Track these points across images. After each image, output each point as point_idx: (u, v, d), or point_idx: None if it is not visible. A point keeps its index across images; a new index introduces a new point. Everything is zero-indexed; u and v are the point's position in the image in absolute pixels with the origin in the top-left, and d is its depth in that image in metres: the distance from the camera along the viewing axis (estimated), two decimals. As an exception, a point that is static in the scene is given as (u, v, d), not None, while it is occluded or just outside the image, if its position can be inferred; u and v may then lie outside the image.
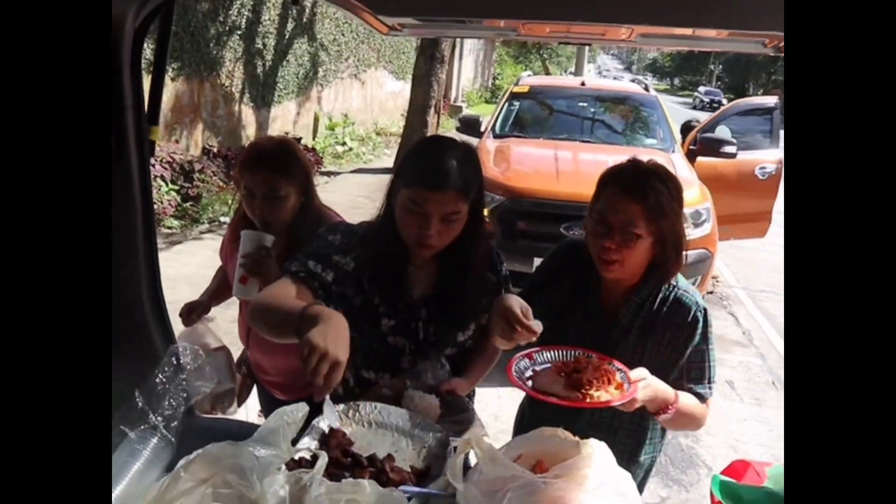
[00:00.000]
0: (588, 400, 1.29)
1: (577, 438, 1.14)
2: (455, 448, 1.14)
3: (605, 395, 1.30)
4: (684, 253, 1.50)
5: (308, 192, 1.88)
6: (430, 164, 1.36)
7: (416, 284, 1.49)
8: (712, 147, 5.55)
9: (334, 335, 1.11)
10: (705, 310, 1.50)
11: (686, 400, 1.47)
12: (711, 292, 5.84)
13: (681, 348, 1.48)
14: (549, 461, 1.08)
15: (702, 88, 44.62)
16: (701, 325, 1.48)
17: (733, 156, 5.50)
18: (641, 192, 1.41)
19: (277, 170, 1.79)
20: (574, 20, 1.64)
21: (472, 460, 1.15)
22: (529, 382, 1.36)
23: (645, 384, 1.36)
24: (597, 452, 1.08)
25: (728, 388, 4.26)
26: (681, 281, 1.53)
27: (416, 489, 1.07)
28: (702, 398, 1.51)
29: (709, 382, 1.52)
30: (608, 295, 1.55)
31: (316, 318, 1.13)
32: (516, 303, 1.35)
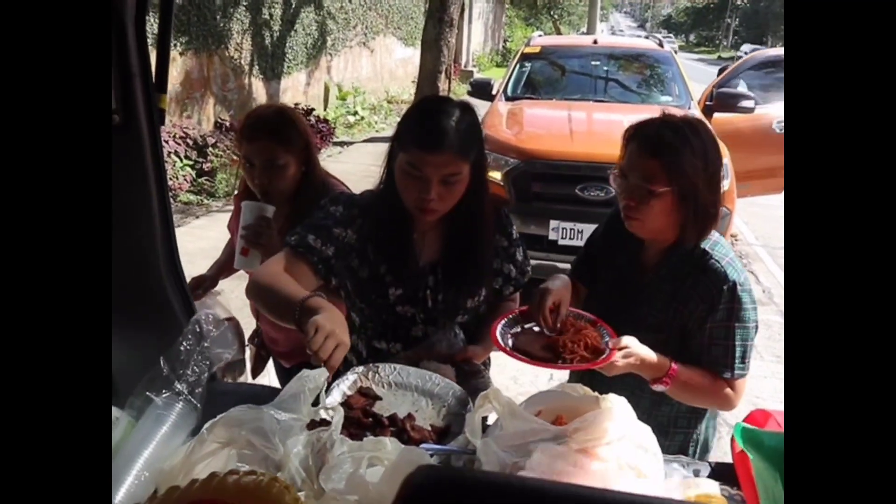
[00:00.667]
0: (560, 362, 1.26)
1: (596, 393, 1.15)
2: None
3: (578, 358, 1.27)
4: (717, 214, 1.40)
5: (309, 161, 1.84)
6: (426, 125, 1.33)
7: (421, 251, 1.47)
8: (729, 102, 5.41)
9: (338, 320, 1.13)
10: (735, 284, 1.36)
11: (691, 374, 1.37)
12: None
13: (700, 320, 1.38)
14: (569, 416, 1.09)
15: (746, 47, 37.77)
16: (726, 299, 1.36)
17: (751, 110, 5.37)
18: (657, 148, 1.35)
19: (276, 138, 1.75)
20: None
21: (492, 419, 1.16)
22: (510, 340, 1.34)
23: (626, 352, 1.29)
24: (616, 406, 1.08)
25: (748, 345, 4.25)
26: (719, 249, 1.41)
27: (437, 447, 1.09)
28: (721, 377, 1.39)
29: (733, 363, 1.38)
30: (646, 254, 1.50)
31: (316, 310, 1.14)
32: (553, 291, 1.33)
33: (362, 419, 1.14)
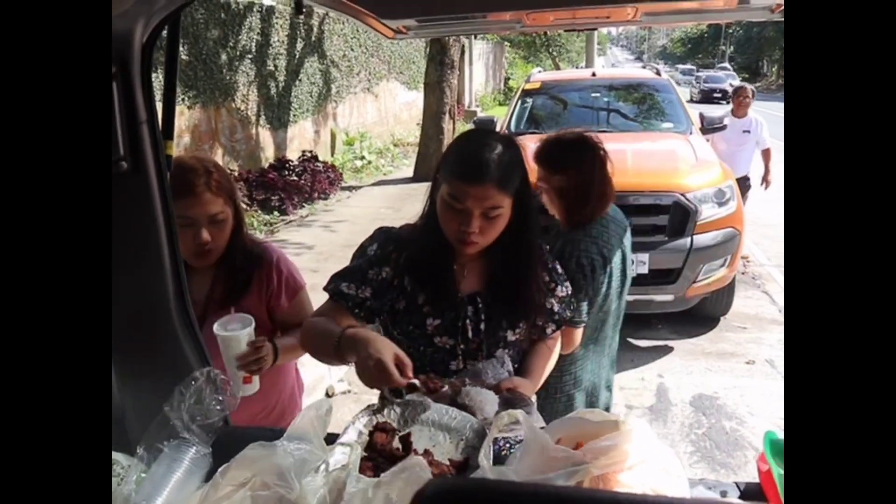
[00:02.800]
0: None
1: (615, 418, 1.12)
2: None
3: None
4: None
5: (238, 216, 1.67)
6: (467, 157, 1.33)
7: (462, 282, 1.45)
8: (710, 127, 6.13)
9: (366, 344, 1.21)
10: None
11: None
12: (743, 272, 5.73)
13: None
14: (589, 442, 1.06)
15: (702, 73, 36.14)
16: None
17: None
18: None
19: (220, 189, 1.58)
20: (578, 5, 1.63)
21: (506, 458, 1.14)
22: None
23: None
24: (636, 430, 1.06)
25: (769, 367, 4.18)
26: None
27: (456, 480, 1.06)
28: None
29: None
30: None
31: (352, 339, 1.25)
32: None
33: (394, 452, 1.12)
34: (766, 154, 6.08)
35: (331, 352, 1.30)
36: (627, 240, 2.13)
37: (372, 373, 1.18)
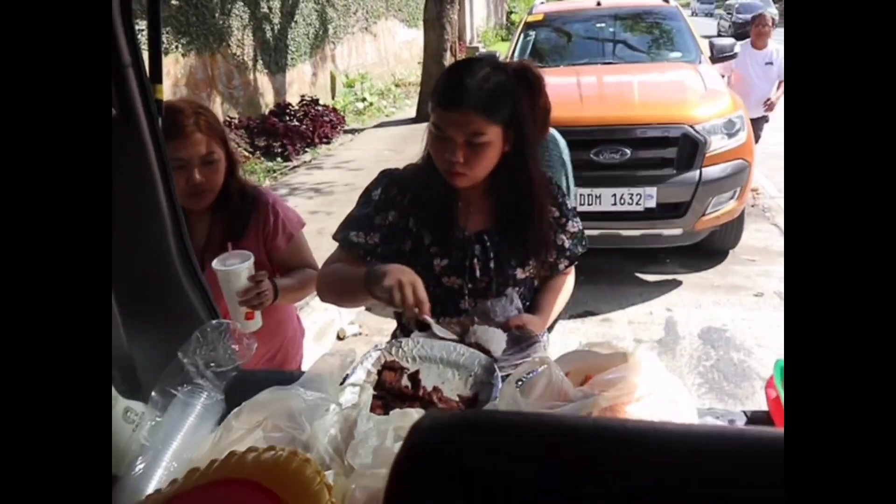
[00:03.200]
0: None
1: (624, 350, 1.12)
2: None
3: None
4: None
5: (231, 158, 1.67)
6: (449, 83, 1.30)
7: (467, 220, 1.44)
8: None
9: (397, 271, 1.23)
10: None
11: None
12: (753, 205, 5.67)
13: None
14: (598, 374, 1.06)
15: (733, 1, 37.45)
16: None
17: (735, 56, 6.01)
18: None
19: (210, 131, 1.58)
20: None
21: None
22: None
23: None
24: (644, 361, 1.05)
25: (777, 299, 4.18)
26: None
27: (466, 416, 1.07)
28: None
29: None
30: None
31: (381, 268, 1.25)
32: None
33: (403, 390, 1.13)
34: (779, 85, 5.77)
35: (358, 287, 1.28)
36: (567, 160, 2.20)
37: (406, 291, 1.20)
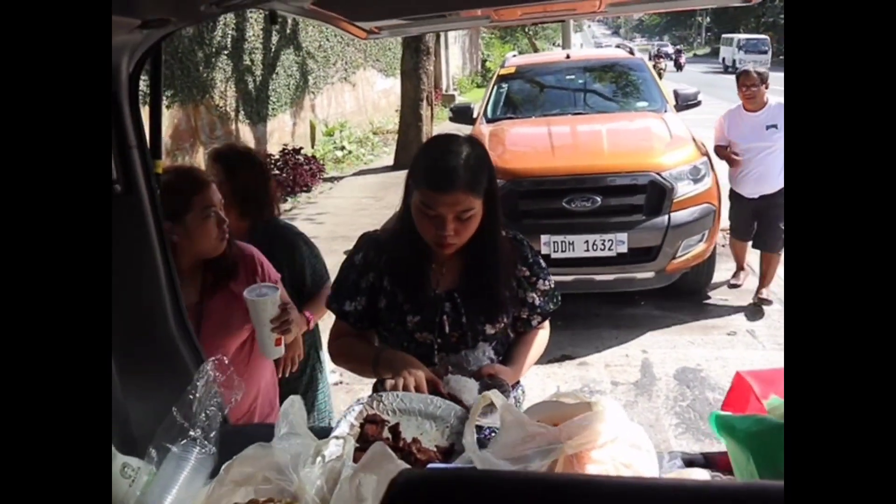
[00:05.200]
0: None
1: (588, 399, 1.21)
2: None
3: None
4: None
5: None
6: (435, 165, 1.38)
7: (439, 280, 1.52)
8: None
9: (401, 366, 1.40)
10: None
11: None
12: (724, 245, 5.85)
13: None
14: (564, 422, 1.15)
15: (657, 44, 40.51)
16: None
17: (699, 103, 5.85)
18: None
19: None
20: (543, 0, 1.69)
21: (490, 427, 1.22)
22: None
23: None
24: (608, 409, 1.14)
25: (750, 337, 4.31)
26: None
27: (443, 465, 1.15)
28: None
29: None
30: None
31: (385, 361, 1.46)
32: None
33: (384, 440, 1.20)
34: None
35: (368, 370, 1.51)
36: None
37: (409, 386, 1.35)
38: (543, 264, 1.63)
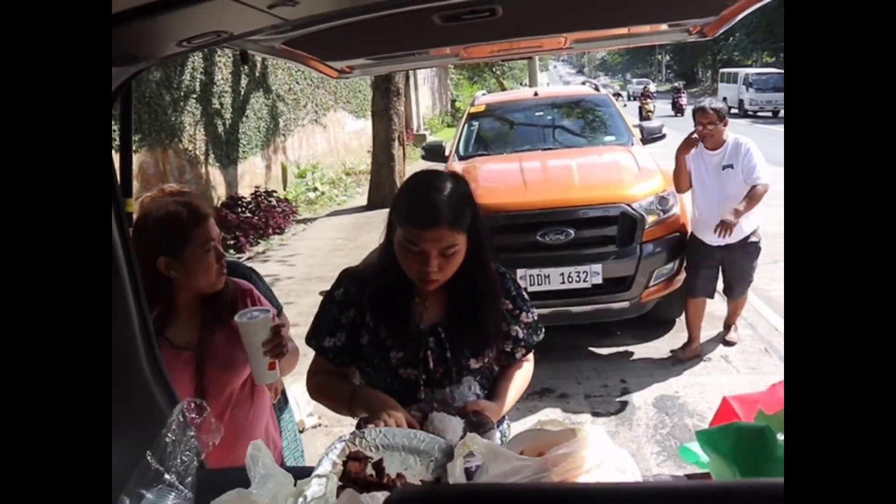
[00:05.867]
0: None
1: (572, 427, 1.20)
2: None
3: None
4: None
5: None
6: (418, 202, 1.38)
7: (422, 315, 1.51)
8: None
9: (379, 408, 1.39)
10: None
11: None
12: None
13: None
14: (549, 450, 1.14)
15: (635, 80, 39.20)
16: None
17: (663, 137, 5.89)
18: None
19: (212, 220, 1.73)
20: (511, 37, 1.74)
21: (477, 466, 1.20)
22: None
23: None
24: (592, 435, 1.14)
25: (724, 362, 4.35)
26: None
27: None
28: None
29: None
30: None
31: (362, 401, 1.47)
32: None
33: (368, 479, 1.18)
34: (752, 192, 4.01)
35: (345, 409, 1.51)
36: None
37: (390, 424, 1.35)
38: (526, 296, 1.63)
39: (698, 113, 4.19)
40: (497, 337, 1.54)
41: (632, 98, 36.31)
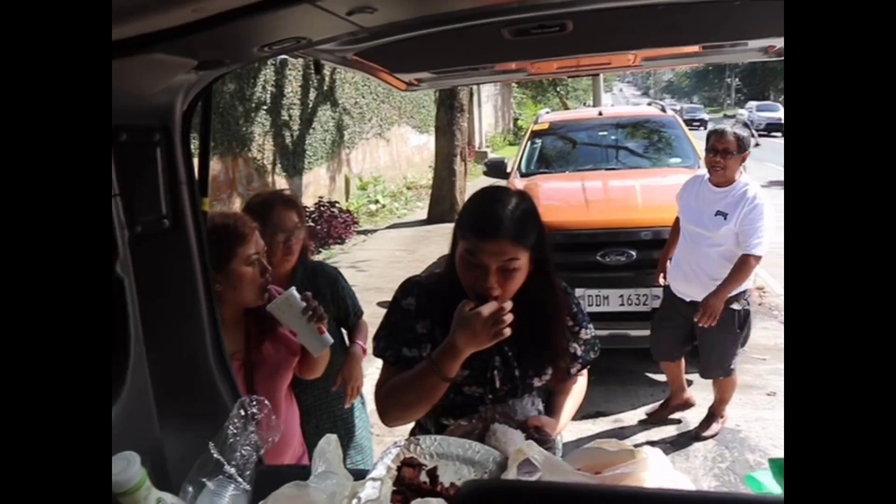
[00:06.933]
0: None
1: (630, 447, 1.17)
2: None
3: None
4: None
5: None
6: (482, 213, 1.38)
7: None
8: None
9: (455, 334, 1.32)
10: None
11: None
12: (760, 304, 5.72)
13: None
14: (606, 470, 1.11)
15: (751, 104, 35.06)
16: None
17: None
18: None
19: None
20: (580, 53, 1.73)
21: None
22: None
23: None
24: (651, 458, 1.11)
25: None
26: None
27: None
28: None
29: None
30: None
31: (443, 350, 1.34)
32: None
33: (421, 486, 1.18)
34: (742, 264, 3.21)
35: (427, 378, 1.35)
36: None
37: (484, 330, 1.29)
38: (585, 313, 1.62)
39: (713, 137, 3.30)
40: (561, 355, 1.52)
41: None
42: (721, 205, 3.30)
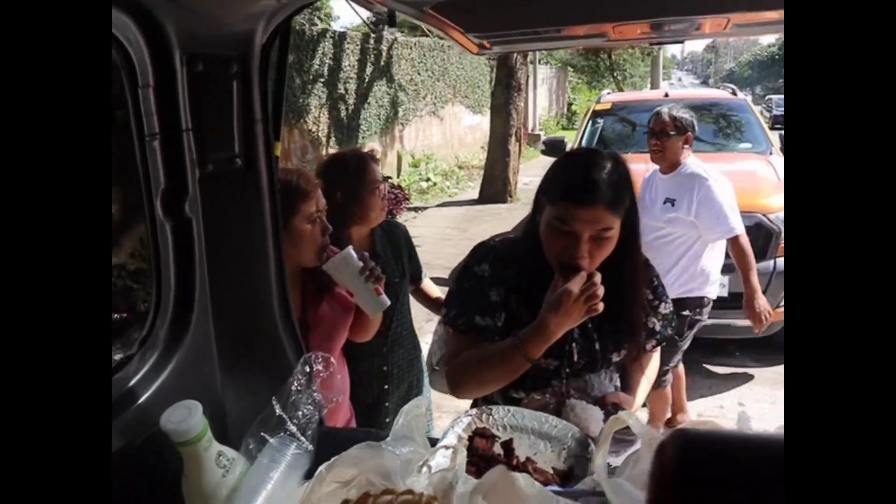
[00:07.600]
0: None
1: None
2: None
3: None
4: None
5: None
6: (577, 177, 1.27)
7: None
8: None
9: (546, 314, 1.26)
10: None
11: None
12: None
13: None
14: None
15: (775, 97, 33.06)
16: None
17: None
18: None
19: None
20: (666, 15, 1.59)
21: (614, 461, 1.09)
22: None
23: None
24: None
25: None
26: None
27: (563, 489, 1.03)
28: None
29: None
30: None
31: (532, 331, 1.27)
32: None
33: (496, 457, 1.10)
34: (735, 248, 3.12)
35: (516, 361, 1.28)
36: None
37: (576, 307, 1.23)
38: (664, 287, 1.53)
39: (651, 119, 3.23)
40: (640, 329, 1.43)
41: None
42: (669, 191, 3.13)
